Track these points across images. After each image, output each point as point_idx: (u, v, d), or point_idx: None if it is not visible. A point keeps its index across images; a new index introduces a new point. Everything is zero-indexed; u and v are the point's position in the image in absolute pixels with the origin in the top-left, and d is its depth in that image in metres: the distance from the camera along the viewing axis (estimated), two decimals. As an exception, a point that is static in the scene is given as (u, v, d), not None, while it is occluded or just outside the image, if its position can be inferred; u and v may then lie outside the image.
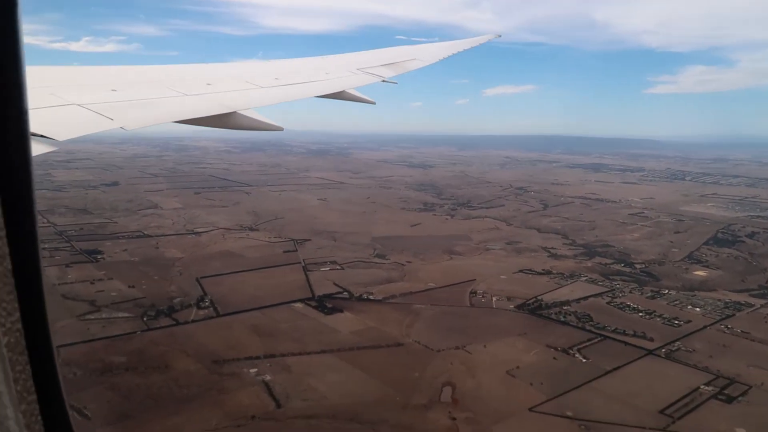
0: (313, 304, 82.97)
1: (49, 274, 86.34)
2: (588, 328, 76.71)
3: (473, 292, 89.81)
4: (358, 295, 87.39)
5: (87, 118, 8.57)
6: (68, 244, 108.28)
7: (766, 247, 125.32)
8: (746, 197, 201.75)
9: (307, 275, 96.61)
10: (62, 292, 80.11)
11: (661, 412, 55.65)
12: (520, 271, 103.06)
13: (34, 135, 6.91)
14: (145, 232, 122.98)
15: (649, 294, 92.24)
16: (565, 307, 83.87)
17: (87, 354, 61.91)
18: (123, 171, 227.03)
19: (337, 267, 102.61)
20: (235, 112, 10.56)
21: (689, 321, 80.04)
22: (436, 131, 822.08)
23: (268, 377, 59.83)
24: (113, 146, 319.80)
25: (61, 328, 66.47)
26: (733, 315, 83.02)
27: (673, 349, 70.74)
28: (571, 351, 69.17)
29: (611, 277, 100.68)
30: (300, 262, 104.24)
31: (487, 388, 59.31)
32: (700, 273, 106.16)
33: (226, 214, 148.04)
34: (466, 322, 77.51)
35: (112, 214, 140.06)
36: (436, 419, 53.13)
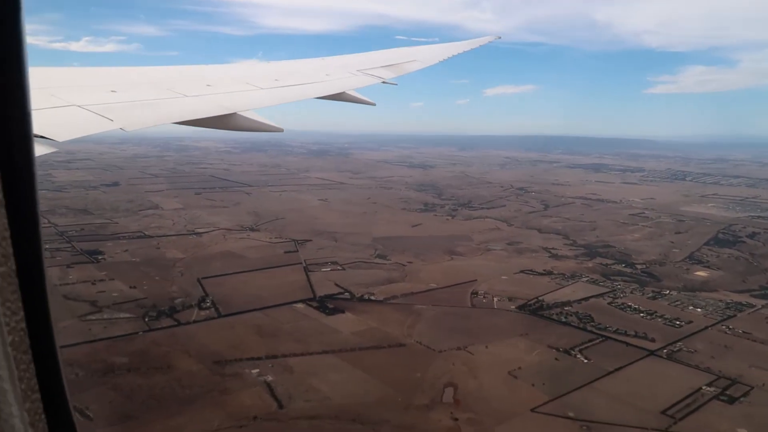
0: (315, 304, 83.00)
1: (51, 274, 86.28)
2: (589, 328, 76.67)
3: (474, 293, 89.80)
4: (359, 295, 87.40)
5: (87, 119, 8.55)
6: (69, 245, 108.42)
7: (767, 247, 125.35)
8: (747, 197, 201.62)
9: (308, 276, 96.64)
10: (64, 292, 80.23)
11: (663, 412, 55.60)
12: (522, 271, 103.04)
13: (35, 136, 6.88)
14: (146, 233, 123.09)
15: (650, 294, 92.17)
16: (566, 308, 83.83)
17: (89, 354, 61.96)
18: (123, 171, 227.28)
19: (338, 267, 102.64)
20: (235, 114, 10.54)
21: (690, 321, 79.97)
22: (436, 131, 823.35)
23: (270, 378, 59.84)
24: (113, 146, 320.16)
25: (63, 328, 66.54)
26: (735, 315, 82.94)
27: (675, 349, 70.68)
28: (572, 351, 69.14)
29: (612, 278, 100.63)
30: (301, 263, 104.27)
31: (489, 388, 59.28)
32: (701, 273, 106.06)
33: (227, 214, 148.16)
34: (467, 322, 77.49)
35: (113, 215, 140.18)
36: (438, 420, 53.12)
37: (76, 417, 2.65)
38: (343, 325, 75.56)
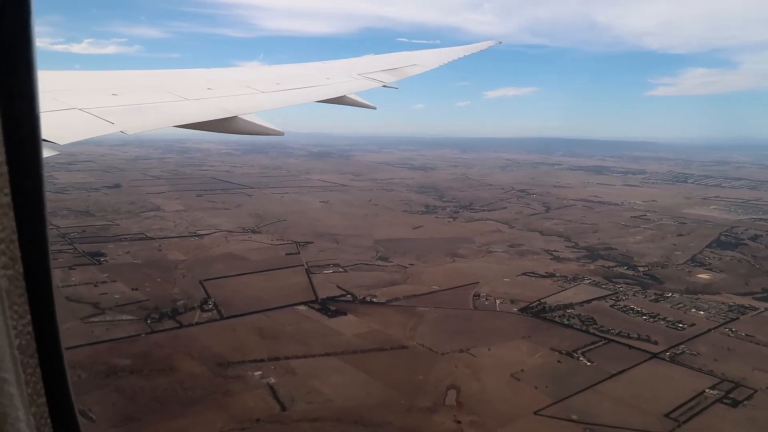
0: (317, 306, 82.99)
1: (53, 275, 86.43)
2: (592, 331, 76.49)
3: (476, 295, 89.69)
4: (361, 297, 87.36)
5: (88, 122, 8.55)
6: (71, 246, 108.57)
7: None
8: (749, 200, 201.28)
9: (310, 278, 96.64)
10: (66, 294, 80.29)
11: (667, 415, 55.44)
12: (523, 273, 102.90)
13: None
14: (148, 235, 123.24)
15: (652, 297, 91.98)
16: (568, 310, 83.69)
17: (91, 356, 61.99)
18: (125, 173, 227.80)
19: (340, 269, 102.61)
20: (236, 117, 10.52)
21: (693, 324, 79.76)
22: (437, 133, 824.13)
23: (272, 380, 59.80)
24: (115, 148, 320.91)
25: (66, 330, 66.14)
26: (737, 318, 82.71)
27: (678, 352, 70.48)
28: (575, 354, 68.98)
29: (614, 280, 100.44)
30: (303, 265, 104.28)
31: (491, 391, 59.16)
32: (704, 276, 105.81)
33: (229, 216, 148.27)
34: (469, 325, 77.39)
35: (115, 217, 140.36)
36: (441, 422, 53.02)
37: (79, 419, 2.64)
38: (345, 327, 75.51)
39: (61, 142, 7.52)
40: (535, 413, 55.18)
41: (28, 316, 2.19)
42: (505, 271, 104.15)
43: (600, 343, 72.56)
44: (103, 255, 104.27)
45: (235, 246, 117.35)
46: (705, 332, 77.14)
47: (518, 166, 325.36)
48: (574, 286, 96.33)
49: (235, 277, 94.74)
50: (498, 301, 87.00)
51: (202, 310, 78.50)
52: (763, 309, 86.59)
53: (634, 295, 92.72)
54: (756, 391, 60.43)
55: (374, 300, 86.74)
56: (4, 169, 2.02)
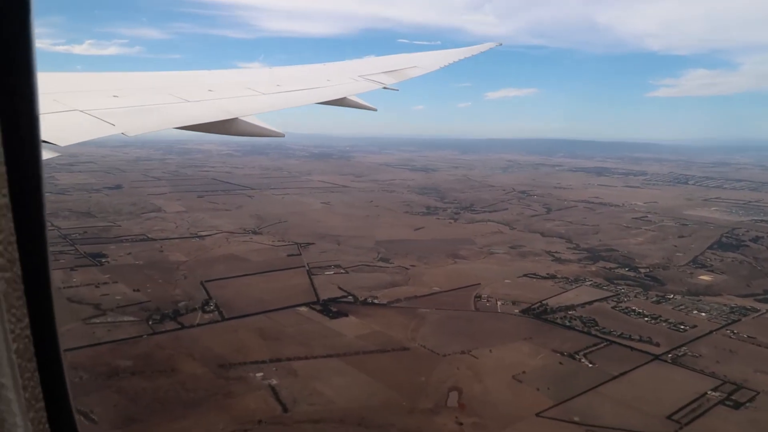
0: (318, 308, 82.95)
1: (54, 277, 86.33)
2: (593, 332, 76.37)
3: (478, 297, 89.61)
4: (362, 299, 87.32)
5: (89, 124, 8.55)
6: (72, 248, 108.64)
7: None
8: (750, 201, 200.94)
9: (311, 279, 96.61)
10: (67, 295, 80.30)
11: (669, 417, 55.31)
12: (525, 275, 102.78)
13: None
14: (149, 236, 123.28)
15: (654, 299, 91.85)
16: (570, 312, 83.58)
17: (93, 358, 62.01)
18: (126, 174, 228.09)
19: (342, 271, 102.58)
20: (236, 119, 10.53)
21: (695, 326, 79.63)
22: (438, 134, 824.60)
23: (274, 381, 59.77)
24: (116, 149, 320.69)
25: (67, 331, 66.69)
26: (739, 320, 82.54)
27: (680, 354, 70.34)
28: (577, 356, 68.87)
29: (616, 282, 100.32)
30: (304, 266, 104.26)
31: (493, 392, 59.07)
32: (705, 277, 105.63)
33: (230, 217, 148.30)
34: (471, 326, 77.33)
35: (116, 218, 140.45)
36: (443, 424, 52.95)
37: (80, 420, 2.61)
38: (346, 329, 75.46)
39: (63, 143, 7.53)
40: (537, 415, 55.08)
41: (27, 320, 2.17)
42: (506, 272, 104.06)
43: (601, 345, 72.45)
44: (104, 256, 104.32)
45: (236, 247, 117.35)
46: (707, 334, 77.00)
47: (519, 167, 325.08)
48: (576, 287, 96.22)
49: (236, 278, 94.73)
50: (499, 303, 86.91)
51: (204, 312, 78.48)
52: (764, 311, 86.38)
53: (635, 296, 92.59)
54: (758, 393, 60.26)
55: (376, 301, 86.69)
56: (3, 169, 2.00)
